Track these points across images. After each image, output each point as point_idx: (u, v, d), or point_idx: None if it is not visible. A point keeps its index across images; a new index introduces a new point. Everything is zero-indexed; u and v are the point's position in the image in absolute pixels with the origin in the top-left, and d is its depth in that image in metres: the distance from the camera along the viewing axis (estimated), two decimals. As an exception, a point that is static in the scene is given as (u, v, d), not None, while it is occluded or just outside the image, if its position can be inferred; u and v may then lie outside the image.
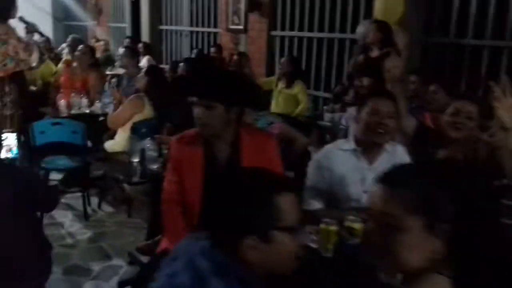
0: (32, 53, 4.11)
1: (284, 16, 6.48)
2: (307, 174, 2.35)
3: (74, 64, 5.02)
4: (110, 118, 3.77)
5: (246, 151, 2.04)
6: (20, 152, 2.61)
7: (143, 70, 3.93)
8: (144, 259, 2.88)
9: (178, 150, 2.10)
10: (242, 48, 7.01)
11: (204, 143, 2.06)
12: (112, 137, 4.07)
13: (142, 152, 2.76)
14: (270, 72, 6.67)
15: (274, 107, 5.15)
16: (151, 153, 2.72)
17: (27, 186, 2.16)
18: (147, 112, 3.74)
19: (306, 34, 6.21)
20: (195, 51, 7.42)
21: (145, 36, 9.20)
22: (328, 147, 2.38)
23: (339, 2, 5.74)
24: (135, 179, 2.72)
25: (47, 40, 6.14)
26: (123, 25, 10.23)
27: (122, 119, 3.73)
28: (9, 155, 2.46)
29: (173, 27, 8.85)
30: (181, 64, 3.52)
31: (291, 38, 6.44)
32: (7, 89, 4.06)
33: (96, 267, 3.02)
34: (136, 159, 2.78)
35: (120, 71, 8.03)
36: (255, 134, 2.10)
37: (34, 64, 4.17)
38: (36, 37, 4.46)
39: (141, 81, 3.85)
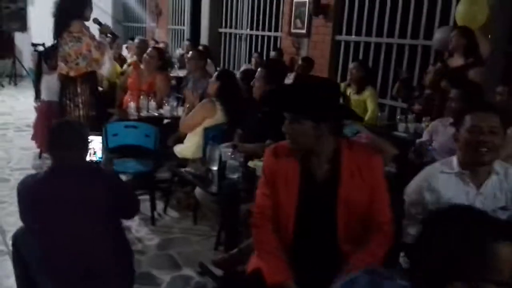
0: (105, 53, 4.10)
1: (351, 20, 6.27)
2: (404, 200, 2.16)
3: (142, 66, 5.01)
4: (182, 122, 3.70)
5: (347, 168, 1.87)
6: (104, 156, 2.56)
7: (215, 74, 3.82)
8: (217, 271, 2.80)
9: (272, 163, 1.96)
10: (303, 53, 6.85)
11: (301, 157, 1.90)
12: (180, 141, 4.02)
13: (222, 160, 2.64)
14: (333, 78, 6.47)
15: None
16: (232, 162, 2.59)
17: (116, 191, 2.10)
18: (218, 117, 3.64)
19: (374, 39, 5.98)
20: (255, 54, 7.34)
21: (204, 38, 9.21)
22: (428, 170, 2.16)
23: (412, 7, 5.48)
24: (213, 188, 2.60)
25: (113, 40, 6.20)
26: (182, 27, 10.31)
27: (194, 124, 3.65)
28: (94, 158, 2.41)
29: (232, 30, 8.80)
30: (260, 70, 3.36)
31: (357, 43, 6.22)
32: (79, 90, 4.08)
33: (166, 276, 2.93)
34: (215, 167, 2.67)
35: (180, 73, 8.07)
36: (358, 150, 1.91)
37: (106, 66, 4.13)
38: (108, 39, 4.44)
39: (212, 85, 3.76)
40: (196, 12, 9.84)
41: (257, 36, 8.18)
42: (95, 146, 2.39)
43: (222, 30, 9.08)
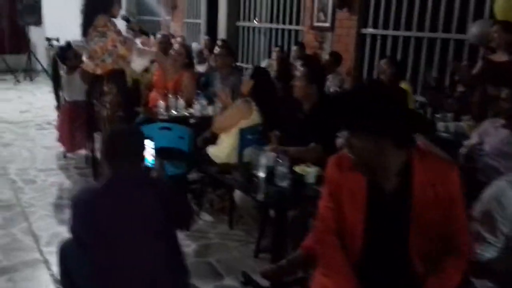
0: (131, 50, 3.95)
1: (378, 13, 6.08)
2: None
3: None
4: (217, 123, 3.57)
5: (419, 183, 1.71)
6: (156, 161, 2.43)
7: (248, 72, 3.68)
8: (261, 281, 2.68)
9: (336, 174, 1.82)
10: (327, 47, 6.69)
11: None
12: (210, 141, 3.90)
13: (270, 167, 2.51)
14: (358, 73, 6.32)
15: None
16: (281, 168, 2.47)
17: (171, 201, 2.00)
18: (254, 117, 3.51)
19: (402, 33, 5.80)
20: (276, 49, 7.18)
21: (221, 32, 9.06)
22: (496, 187, 2.01)
23: (444, -1, 5.29)
24: (260, 196, 2.48)
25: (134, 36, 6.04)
26: (198, 20, 10.16)
27: (229, 125, 3.52)
28: (145, 163, 2.29)
29: (250, 24, 8.64)
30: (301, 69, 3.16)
31: (384, 37, 6.04)
32: (105, 88, 3.95)
33: (209, 286, 2.84)
34: (260, 173, 2.54)
35: (199, 68, 7.94)
36: (432, 162, 1.75)
37: (138, 62, 4.00)
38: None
39: (246, 84, 3.62)
40: (213, 5, 9.67)
41: (277, 29, 8.01)
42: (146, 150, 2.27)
43: (240, 23, 8.92)
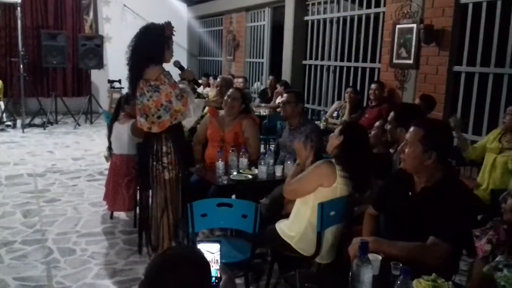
0: (187, 103, 3.24)
1: (475, 48, 5.11)
2: None
3: (221, 112, 4.17)
4: (289, 186, 2.77)
5: None
6: (223, 276, 1.67)
7: (339, 128, 2.85)
8: None
9: None
10: (409, 87, 5.78)
11: None
12: (277, 209, 3.11)
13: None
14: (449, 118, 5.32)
15: (485, 176, 3.76)
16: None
17: None
18: (338, 186, 2.66)
19: (509, 70, 4.79)
20: (349, 89, 6.37)
21: (286, 71, 8.40)
22: None
23: None
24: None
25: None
26: (261, 60, 9.60)
27: (304, 191, 2.71)
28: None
29: (318, 62, 7.91)
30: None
31: (484, 76, 5.04)
32: (164, 148, 3.22)
33: None
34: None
35: (262, 111, 7.24)
36: None
37: (191, 118, 3.30)
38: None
39: (333, 141, 2.80)
40: (276, 44, 9.09)
41: (348, 67, 7.21)
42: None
43: (306, 62, 8.22)
